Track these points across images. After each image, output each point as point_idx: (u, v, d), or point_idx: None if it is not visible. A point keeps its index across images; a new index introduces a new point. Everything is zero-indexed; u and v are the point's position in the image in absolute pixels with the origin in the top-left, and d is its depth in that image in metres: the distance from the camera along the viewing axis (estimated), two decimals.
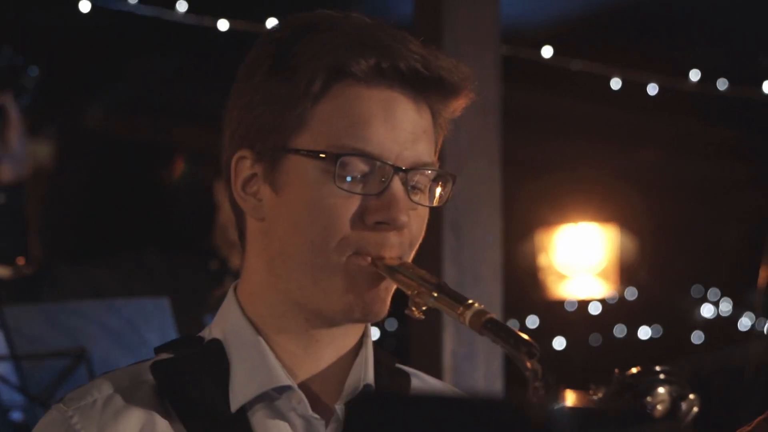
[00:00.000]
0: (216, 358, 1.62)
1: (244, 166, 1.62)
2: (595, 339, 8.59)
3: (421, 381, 1.77)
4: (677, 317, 8.77)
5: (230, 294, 1.66)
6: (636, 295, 8.48)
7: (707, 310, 8.71)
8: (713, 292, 8.70)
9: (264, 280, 1.62)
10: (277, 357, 1.62)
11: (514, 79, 5.63)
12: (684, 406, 1.43)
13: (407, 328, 4.15)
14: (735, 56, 5.84)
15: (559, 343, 8.30)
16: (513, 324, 8.66)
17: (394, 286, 1.59)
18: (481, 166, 3.68)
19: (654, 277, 8.22)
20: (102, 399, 1.59)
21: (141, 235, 5.33)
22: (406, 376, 1.75)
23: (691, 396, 1.43)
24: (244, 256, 1.66)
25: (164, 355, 1.64)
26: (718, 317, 8.71)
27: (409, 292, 1.56)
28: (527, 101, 6.33)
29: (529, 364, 1.44)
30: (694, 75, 5.60)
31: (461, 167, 3.61)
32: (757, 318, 5.93)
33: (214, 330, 1.65)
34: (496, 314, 3.66)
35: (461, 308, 1.51)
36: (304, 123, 1.58)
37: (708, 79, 5.62)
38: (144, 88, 6.16)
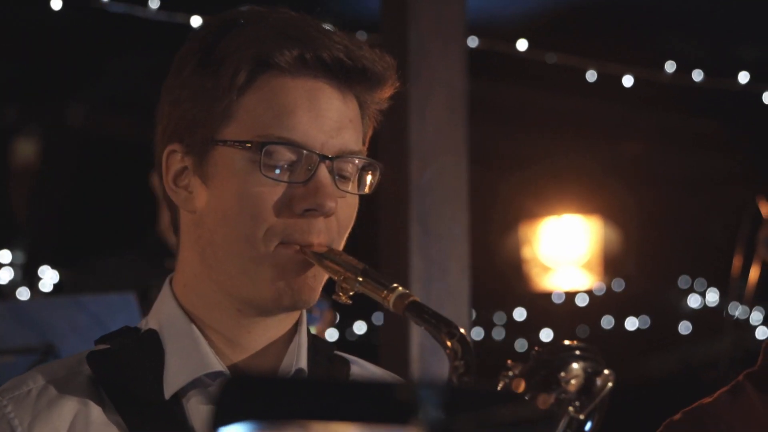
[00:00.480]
0: (151, 347, 1.65)
1: (174, 159, 1.65)
2: (582, 330, 8.62)
3: (360, 368, 1.80)
4: (664, 308, 8.80)
5: (166, 285, 1.69)
6: (623, 287, 8.50)
7: (694, 301, 8.74)
8: (700, 283, 8.73)
9: (197, 271, 1.65)
10: (211, 345, 1.65)
11: (492, 73, 5.67)
12: (599, 381, 1.46)
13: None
14: (710, 47, 5.88)
15: (546, 334, 8.34)
16: (500, 317, 8.70)
17: (325, 274, 1.63)
18: (449, 160, 3.72)
19: (641, 269, 8.25)
20: (37, 389, 1.62)
21: (124, 233, 5.37)
22: (346, 363, 1.78)
23: (606, 371, 1.46)
24: (178, 248, 1.69)
25: (102, 346, 1.68)
26: (705, 307, 8.74)
27: (336, 278, 1.60)
28: (507, 95, 6.37)
29: (449, 344, 1.48)
30: (670, 66, 5.63)
31: (428, 161, 3.65)
32: (740, 307, 5.95)
33: (150, 320, 1.68)
34: (464, 307, 3.69)
35: (385, 292, 1.55)
36: (230, 115, 1.62)
37: (684, 70, 5.64)
38: (126, 86, 6.19)
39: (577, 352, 1.47)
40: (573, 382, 1.45)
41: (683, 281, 8.76)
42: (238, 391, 0.87)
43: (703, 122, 6.65)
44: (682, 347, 8.64)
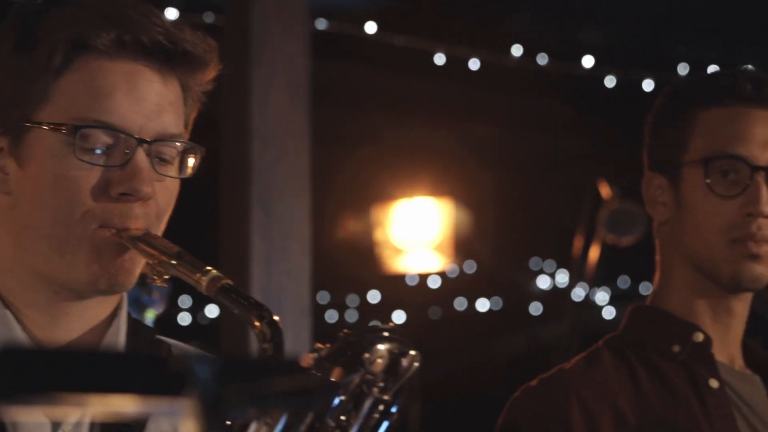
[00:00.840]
0: None
1: None
2: (434, 312, 8.71)
3: (181, 352, 1.79)
4: (515, 289, 8.92)
5: None
6: (475, 269, 8.59)
7: (544, 282, 8.87)
8: (549, 264, 8.86)
9: (12, 254, 1.64)
10: (26, 330, 1.63)
11: (342, 55, 5.68)
12: (404, 362, 1.48)
13: None
14: (555, 31, 5.96)
15: (398, 316, 8.39)
16: (353, 299, 8.74)
17: (143, 258, 1.62)
18: (291, 142, 3.72)
19: (492, 251, 8.34)
20: None
21: None
22: (167, 346, 1.78)
23: (412, 353, 1.48)
24: None
25: None
26: (554, 288, 8.88)
27: (151, 261, 1.59)
28: (359, 78, 6.39)
29: (258, 325, 1.49)
30: (516, 50, 5.70)
31: (270, 143, 3.65)
32: (582, 288, 6.06)
33: None
34: (305, 287, 3.70)
35: (198, 275, 1.55)
36: (46, 97, 1.60)
37: (529, 54, 5.72)
38: None
39: (384, 334, 1.49)
40: (378, 362, 1.47)
41: (534, 263, 8.88)
42: (10, 363, 0.86)
43: (549, 105, 6.74)
44: (533, 328, 8.78)
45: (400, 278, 8.24)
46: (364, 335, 1.48)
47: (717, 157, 2.17)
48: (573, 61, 5.75)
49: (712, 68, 2.27)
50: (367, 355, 1.46)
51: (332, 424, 1.45)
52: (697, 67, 5.66)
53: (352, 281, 8.28)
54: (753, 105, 2.20)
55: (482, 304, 8.81)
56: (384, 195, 7.57)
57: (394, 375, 1.48)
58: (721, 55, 5.95)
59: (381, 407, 1.46)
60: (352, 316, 8.63)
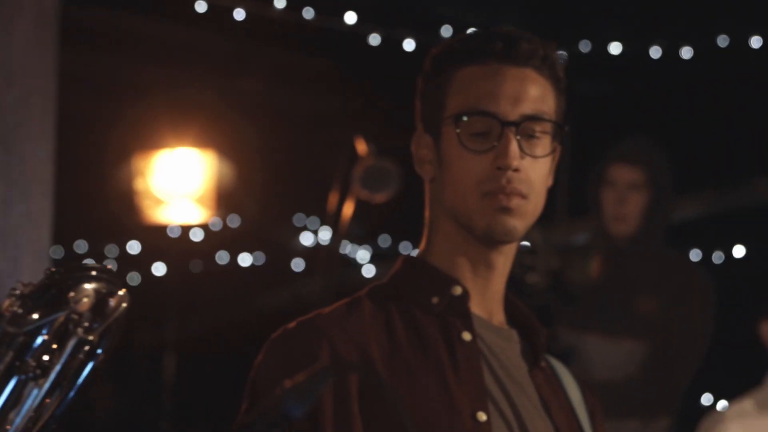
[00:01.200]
0: None
1: None
2: (195, 265, 8.62)
3: None
4: (279, 245, 8.90)
5: None
6: (238, 223, 8.53)
7: (307, 238, 8.87)
8: (313, 221, 8.87)
9: None
10: None
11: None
12: (112, 302, 1.44)
13: None
14: None
15: (158, 268, 8.28)
16: (112, 249, 8.58)
17: None
18: (35, 80, 3.59)
19: (256, 205, 8.30)
20: None
21: None
22: None
23: (120, 293, 1.44)
24: None
25: None
26: (318, 245, 8.90)
27: None
28: (119, 22, 6.24)
29: None
30: (280, 2, 5.65)
31: (14, 81, 3.52)
32: (343, 244, 6.08)
33: None
34: (45, 231, 3.57)
35: None
36: None
37: (294, 7, 5.68)
38: None
39: (92, 273, 1.45)
40: (84, 302, 1.42)
41: (298, 219, 8.88)
42: None
43: (314, 61, 6.73)
44: (295, 284, 8.78)
45: (162, 229, 8.11)
46: (70, 273, 1.43)
47: (469, 114, 2.23)
48: (337, 16, 5.74)
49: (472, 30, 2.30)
50: (72, 294, 1.41)
51: (33, 363, 1.40)
52: (460, 29, 5.72)
53: (111, 231, 8.11)
54: (504, 62, 2.25)
55: (245, 259, 8.76)
56: (146, 144, 7.44)
57: (100, 315, 1.44)
58: (483, 17, 6.03)
59: (86, 348, 1.42)
60: (110, 266, 8.46)
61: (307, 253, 8.82)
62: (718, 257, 6.45)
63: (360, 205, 5.54)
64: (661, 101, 6.62)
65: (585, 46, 6.01)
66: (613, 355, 5.18)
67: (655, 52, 5.98)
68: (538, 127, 2.25)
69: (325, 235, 9.05)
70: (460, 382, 2.19)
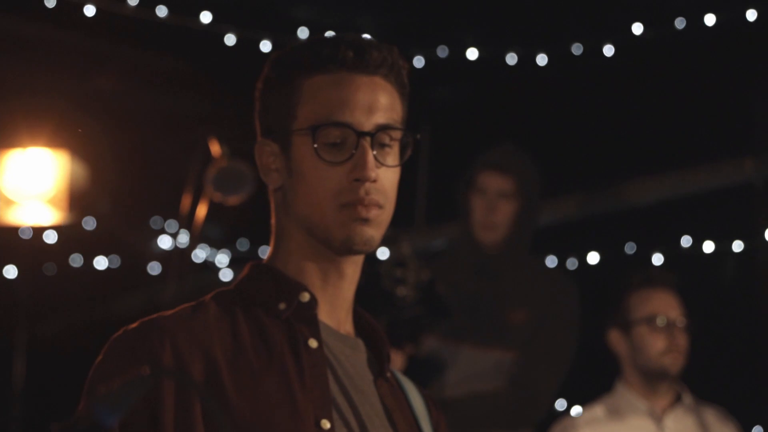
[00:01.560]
0: None
1: None
2: (50, 268, 8.45)
3: None
4: (135, 248, 8.79)
5: None
6: (94, 225, 8.40)
7: (165, 242, 8.77)
8: (171, 224, 8.77)
9: None
10: None
11: None
12: None
13: None
14: None
15: (9, 271, 8.09)
16: None
17: None
18: None
19: (112, 208, 8.19)
20: None
21: None
22: None
23: None
24: None
25: None
26: (175, 249, 8.79)
27: None
28: None
29: None
30: (133, 0, 5.56)
31: None
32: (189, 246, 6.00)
33: None
34: None
35: None
36: None
37: (147, 4, 5.59)
38: None
39: None
40: None
41: (155, 222, 8.77)
42: None
43: (169, 60, 6.63)
44: (151, 288, 8.66)
45: (13, 231, 7.92)
46: None
47: (324, 125, 2.22)
48: (192, 15, 5.67)
49: (330, 33, 2.27)
50: None
51: None
52: (317, 31, 5.69)
53: None
54: (356, 71, 2.25)
55: (100, 262, 8.61)
56: None
57: None
58: (340, 20, 6.01)
59: None
60: None
61: (164, 256, 8.71)
62: (572, 263, 6.51)
63: (216, 208, 5.49)
64: (517, 107, 6.66)
65: (442, 52, 6.01)
66: (483, 365, 5.19)
67: (511, 58, 6.02)
68: (390, 136, 2.25)
69: (183, 238, 8.98)
70: (305, 389, 2.17)
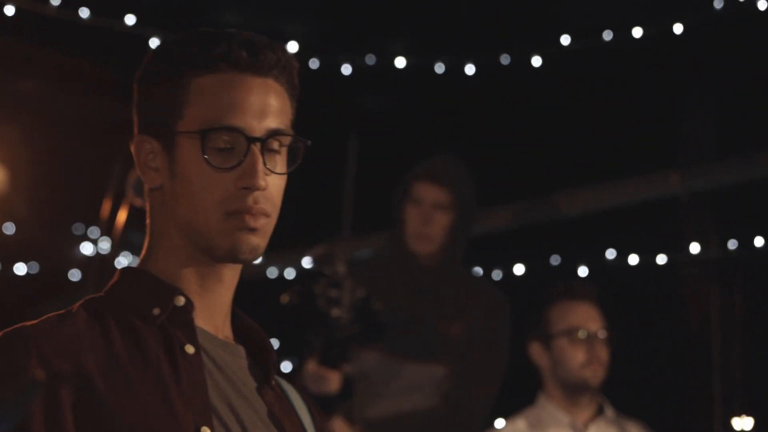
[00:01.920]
0: None
1: None
2: None
3: None
4: (56, 255, 8.69)
5: None
6: (14, 231, 8.29)
7: (87, 248, 8.66)
8: (93, 231, 8.66)
9: None
10: None
11: None
12: None
13: None
14: None
15: None
16: None
17: None
18: None
19: (33, 213, 8.08)
20: None
21: None
22: None
23: None
24: None
25: None
26: (97, 255, 8.68)
27: None
28: None
29: None
30: (55, 0, 5.46)
31: None
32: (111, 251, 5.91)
33: None
34: None
35: None
36: None
37: (70, 5, 5.48)
38: None
39: None
40: None
41: (77, 228, 8.67)
42: None
43: (91, 63, 6.53)
44: (72, 295, 8.54)
45: None
46: None
47: (213, 129, 2.12)
48: (115, 18, 5.57)
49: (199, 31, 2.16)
50: None
51: None
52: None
53: None
54: (249, 72, 2.15)
55: (20, 268, 8.49)
56: None
57: None
58: (269, 25, 5.96)
59: None
60: None
61: (85, 263, 8.60)
62: (497, 275, 6.49)
63: (137, 214, 5.39)
64: (445, 116, 6.65)
65: (370, 60, 5.98)
66: (419, 379, 5.15)
67: (439, 67, 6.00)
68: (280, 142, 2.17)
69: (105, 245, 8.86)
70: (183, 396, 2.09)
